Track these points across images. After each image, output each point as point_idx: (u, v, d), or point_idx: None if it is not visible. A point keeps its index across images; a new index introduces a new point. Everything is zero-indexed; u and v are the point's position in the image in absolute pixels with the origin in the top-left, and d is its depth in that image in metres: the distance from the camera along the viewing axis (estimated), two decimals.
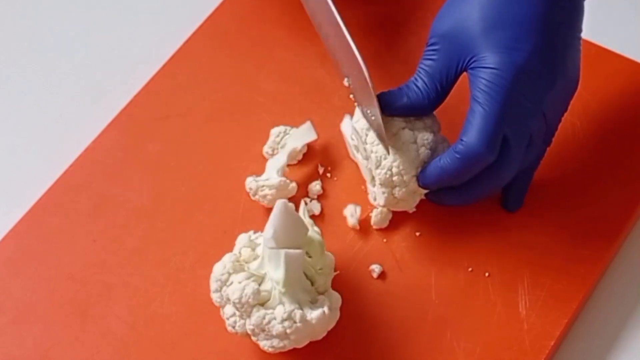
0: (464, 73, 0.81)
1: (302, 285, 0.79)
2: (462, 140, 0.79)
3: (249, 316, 0.78)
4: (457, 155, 0.79)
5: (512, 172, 0.82)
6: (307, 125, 0.90)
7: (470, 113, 0.79)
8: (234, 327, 0.79)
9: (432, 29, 0.83)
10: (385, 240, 0.87)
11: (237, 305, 0.78)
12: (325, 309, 0.78)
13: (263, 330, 0.78)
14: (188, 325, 0.83)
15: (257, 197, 0.87)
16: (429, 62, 0.82)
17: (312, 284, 0.80)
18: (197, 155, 0.91)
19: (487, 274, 0.85)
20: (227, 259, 0.79)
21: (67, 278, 0.86)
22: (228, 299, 0.78)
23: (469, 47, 0.80)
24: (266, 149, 0.90)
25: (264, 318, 0.77)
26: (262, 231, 0.80)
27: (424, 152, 0.82)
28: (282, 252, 0.78)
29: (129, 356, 0.83)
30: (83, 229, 0.88)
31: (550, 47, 0.79)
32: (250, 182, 0.87)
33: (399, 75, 0.90)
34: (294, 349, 0.79)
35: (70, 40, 1.01)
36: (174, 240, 0.87)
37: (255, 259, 0.80)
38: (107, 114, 0.94)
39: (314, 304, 0.79)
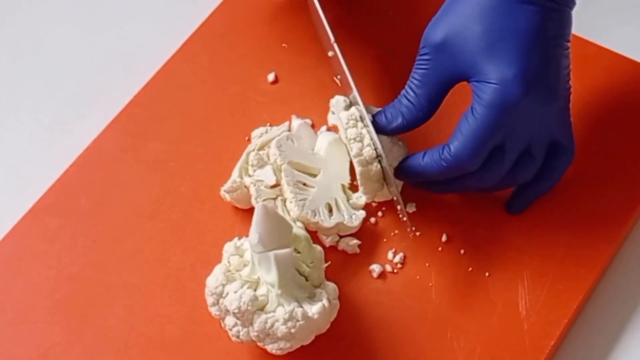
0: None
1: (297, 282, 0.79)
2: (449, 147, 0.80)
3: (251, 324, 0.78)
4: (443, 163, 0.80)
5: (496, 179, 0.82)
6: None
7: (464, 122, 0.79)
8: (238, 337, 0.79)
9: (425, 38, 0.82)
10: (385, 240, 0.87)
11: (237, 315, 0.77)
12: (325, 301, 0.78)
13: (268, 335, 0.78)
14: (188, 325, 0.83)
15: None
16: (422, 72, 0.82)
17: (306, 279, 0.80)
18: (197, 155, 0.91)
19: (487, 274, 0.85)
20: (218, 271, 0.79)
21: (67, 278, 0.86)
22: (227, 311, 0.78)
23: (469, 60, 0.79)
24: (248, 150, 0.90)
25: (266, 322, 0.77)
26: (246, 236, 0.80)
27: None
28: (271, 254, 0.77)
29: (129, 356, 0.83)
30: (83, 229, 0.88)
31: (547, 61, 0.79)
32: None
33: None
34: (295, 350, 0.79)
35: (70, 40, 1.01)
36: (174, 240, 0.87)
37: (245, 265, 0.80)
38: (107, 114, 0.94)
39: (312, 298, 0.79)
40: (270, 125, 0.91)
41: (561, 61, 0.80)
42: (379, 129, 0.83)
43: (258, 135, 0.90)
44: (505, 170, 0.81)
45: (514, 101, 0.78)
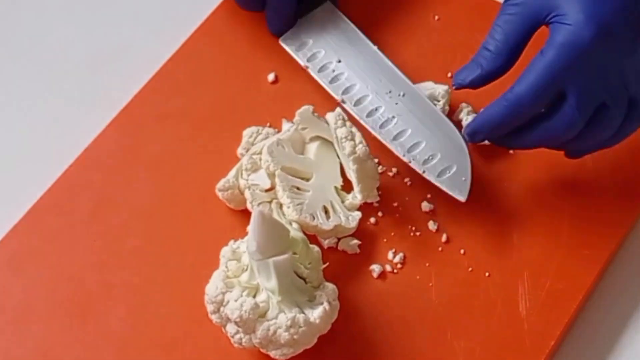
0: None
1: (297, 286, 0.79)
2: (513, 88, 0.78)
3: (253, 331, 0.78)
4: (505, 103, 0.79)
5: (566, 130, 0.79)
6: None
7: (532, 63, 0.78)
8: (240, 344, 0.79)
9: None
10: (385, 240, 0.87)
11: (239, 324, 0.77)
12: (325, 304, 0.78)
13: (271, 342, 0.78)
14: (188, 325, 0.83)
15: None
16: (507, 18, 0.80)
17: (305, 281, 0.80)
18: (197, 155, 0.91)
19: (487, 274, 0.85)
20: (217, 279, 0.79)
21: (67, 278, 0.86)
22: (228, 319, 0.78)
23: (552, 1, 0.77)
24: (240, 150, 0.90)
25: (268, 330, 0.77)
26: (242, 238, 0.80)
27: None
28: (270, 262, 0.77)
29: (129, 356, 0.83)
30: (83, 229, 0.88)
31: (629, 8, 0.76)
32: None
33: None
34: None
35: (70, 40, 1.01)
36: (174, 240, 0.87)
37: (243, 270, 0.80)
38: (107, 114, 0.94)
39: (312, 301, 0.79)
40: (270, 126, 0.91)
41: None
42: (458, 84, 0.82)
43: (249, 134, 0.90)
44: (575, 120, 0.78)
45: (584, 44, 0.76)
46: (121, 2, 1.03)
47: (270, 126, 0.91)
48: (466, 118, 0.89)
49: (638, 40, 0.78)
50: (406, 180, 0.89)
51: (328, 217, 0.84)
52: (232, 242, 0.81)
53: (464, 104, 0.91)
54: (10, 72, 1.00)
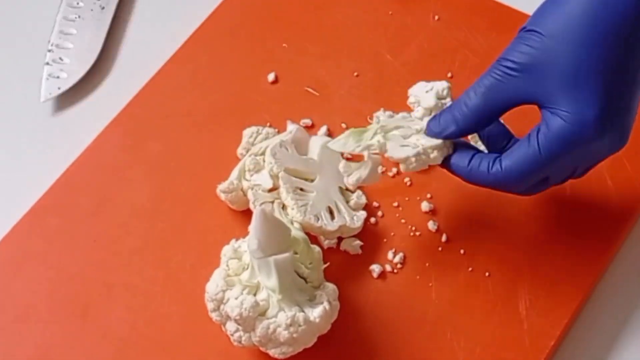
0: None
1: (297, 285, 0.79)
2: (501, 163, 0.77)
3: (253, 329, 0.78)
4: (490, 177, 0.77)
5: (507, 189, 0.79)
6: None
7: (525, 145, 0.75)
8: (240, 342, 0.79)
9: (510, 51, 0.76)
10: (385, 240, 0.87)
11: (239, 322, 0.77)
12: (325, 304, 0.78)
13: (270, 340, 0.78)
14: (188, 325, 0.83)
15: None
16: (492, 82, 0.76)
17: (306, 280, 0.80)
18: (198, 155, 0.91)
19: (487, 274, 0.85)
20: (217, 277, 0.79)
21: (67, 278, 0.86)
22: (228, 317, 0.78)
23: (549, 86, 0.74)
24: (240, 150, 0.90)
25: (268, 328, 0.77)
26: (243, 237, 0.80)
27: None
28: (271, 260, 0.77)
29: (129, 356, 0.83)
30: (83, 229, 0.88)
31: (619, 107, 0.74)
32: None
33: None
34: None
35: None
36: (174, 240, 0.87)
37: (244, 268, 0.80)
38: (107, 114, 0.94)
39: (312, 301, 0.79)
40: (270, 126, 0.91)
41: (633, 103, 0.75)
42: (431, 135, 0.80)
43: (248, 134, 0.90)
44: (518, 187, 0.79)
45: (584, 143, 0.74)
46: (121, 2, 1.03)
47: (270, 126, 0.91)
48: None
49: (629, 132, 0.76)
50: (406, 180, 0.89)
51: (333, 218, 0.84)
52: (233, 241, 0.81)
53: None
54: (10, 72, 1.00)
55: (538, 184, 0.78)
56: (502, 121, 0.80)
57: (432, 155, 0.80)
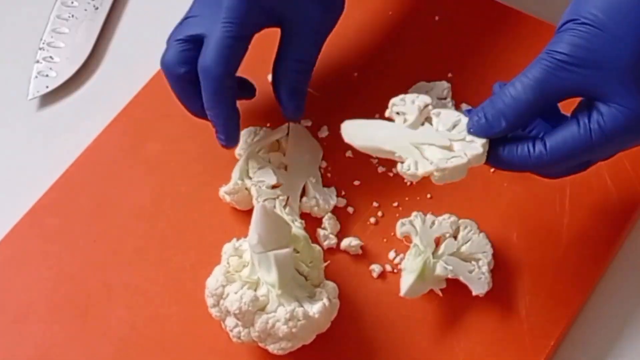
0: None
1: (297, 282, 0.79)
2: (544, 141, 0.74)
3: (252, 324, 0.78)
4: (532, 160, 0.75)
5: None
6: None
7: (572, 127, 0.74)
8: (239, 338, 0.79)
9: (560, 40, 0.73)
10: (385, 240, 0.87)
11: (238, 316, 0.77)
12: (325, 300, 0.78)
13: (269, 335, 0.78)
14: (188, 325, 0.83)
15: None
16: (544, 75, 0.73)
17: (306, 278, 0.80)
18: (198, 155, 0.91)
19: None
20: (218, 272, 0.79)
21: (67, 278, 0.86)
22: (227, 312, 0.78)
23: (610, 83, 0.72)
24: (238, 150, 0.90)
25: (267, 323, 0.77)
26: (245, 236, 0.80)
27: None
28: (271, 254, 0.77)
29: (129, 356, 0.83)
30: (83, 229, 0.88)
31: None
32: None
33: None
34: (295, 349, 0.79)
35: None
36: (174, 240, 0.87)
37: (245, 266, 0.80)
38: (107, 114, 0.94)
39: (312, 298, 0.79)
40: (270, 126, 0.91)
41: None
42: (480, 134, 0.76)
43: (247, 134, 0.90)
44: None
45: (636, 137, 0.74)
46: (121, 2, 1.03)
47: (269, 126, 0.91)
48: None
49: None
50: (406, 180, 0.89)
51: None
52: (234, 239, 0.81)
53: (464, 104, 0.91)
54: (10, 72, 1.00)
55: (577, 165, 0.77)
56: None
57: (473, 157, 0.76)
